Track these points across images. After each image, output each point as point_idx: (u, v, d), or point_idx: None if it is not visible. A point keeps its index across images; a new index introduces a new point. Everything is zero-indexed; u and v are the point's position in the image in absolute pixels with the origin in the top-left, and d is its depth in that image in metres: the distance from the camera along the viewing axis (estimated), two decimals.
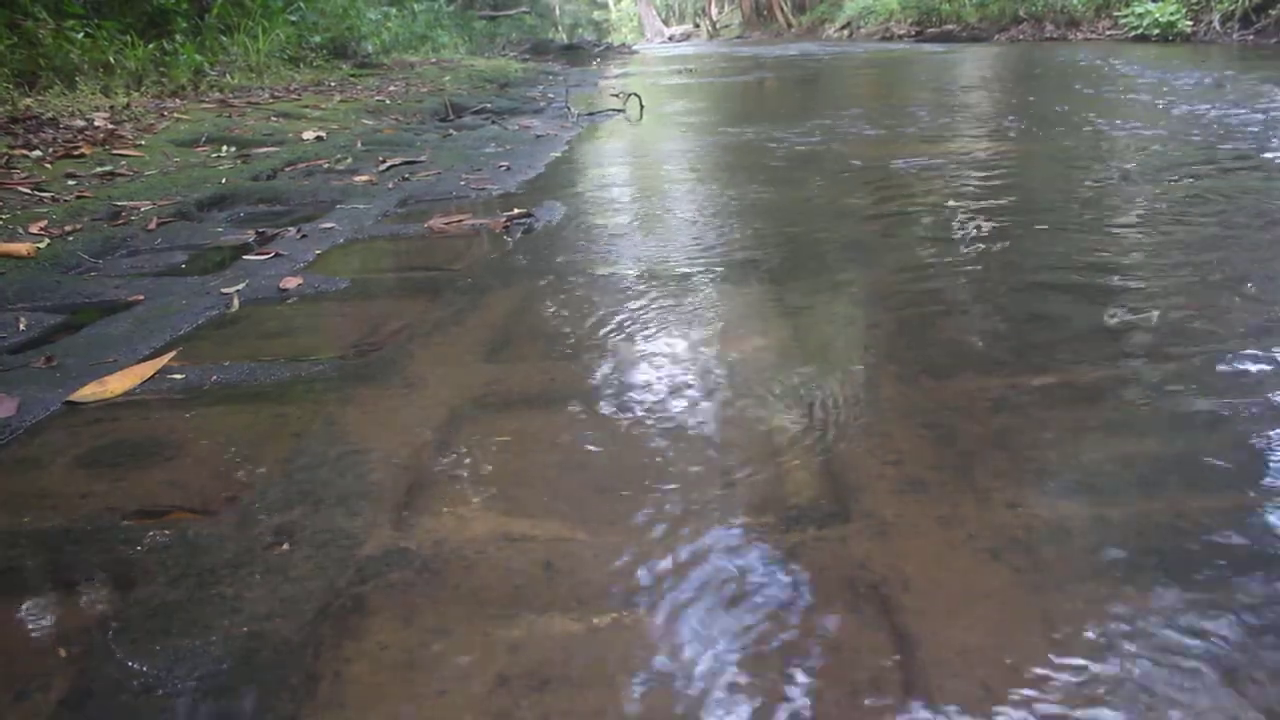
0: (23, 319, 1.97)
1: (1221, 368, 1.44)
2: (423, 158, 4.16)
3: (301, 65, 8.05)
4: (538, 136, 5.02)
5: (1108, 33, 13.59)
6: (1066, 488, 1.11)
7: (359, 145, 4.55)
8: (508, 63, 11.54)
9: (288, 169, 3.90)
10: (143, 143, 4.09)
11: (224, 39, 7.33)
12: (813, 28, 25.14)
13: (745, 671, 0.83)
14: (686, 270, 2.15)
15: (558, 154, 4.38)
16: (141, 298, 2.11)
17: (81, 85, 5.54)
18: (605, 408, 1.41)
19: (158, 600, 0.97)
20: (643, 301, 1.92)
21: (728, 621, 0.90)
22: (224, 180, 3.46)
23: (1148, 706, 0.76)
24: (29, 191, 3.06)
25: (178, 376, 1.61)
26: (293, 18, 8.43)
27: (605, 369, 1.56)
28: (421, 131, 5.27)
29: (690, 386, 1.47)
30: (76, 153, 3.73)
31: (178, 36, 6.73)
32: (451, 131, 5.26)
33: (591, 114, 6.26)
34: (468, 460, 1.26)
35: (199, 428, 1.40)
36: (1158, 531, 1.01)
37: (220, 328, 1.91)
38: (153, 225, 2.81)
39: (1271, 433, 1.22)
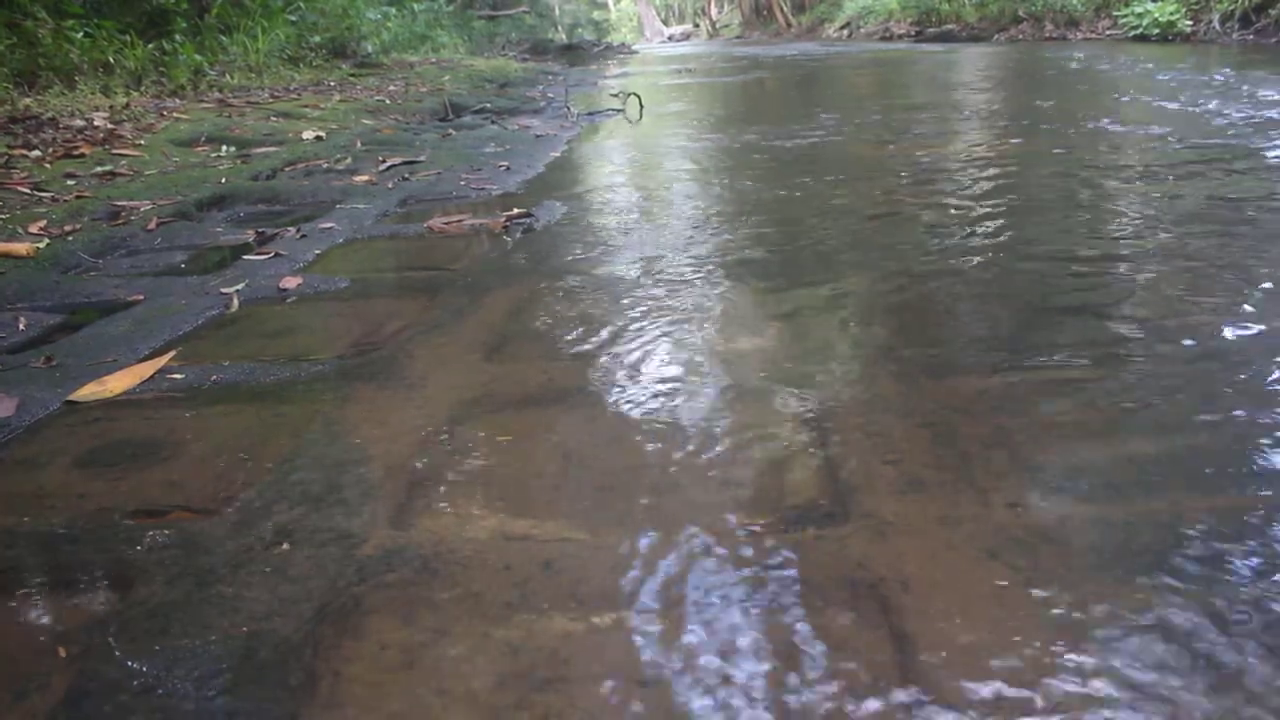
0: (22, 319, 1.97)
1: (1223, 367, 1.44)
2: (422, 158, 4.16)
3: (301, 65, 8.05)
4: (537, 136, 5.02)
5: (1107, 32, 13.59)
6: (1066, 487, 1.11)
7: (358, 145, 4.55)
8: (507, 63, 11.54)
9: (287, 169, 3.90)
10: (142, 142, 4.09)
11: (224, 39, 7.33)
12: (812, 28, 25.14)
13: (744, 671, 0.83)
14: (686, 270, 2.15)
15: (557, 154, 4.38)
16: (141, 297, 2.11)
17: (81, 85, 5.54)
18: (604, 407, 1.41)
19: (157, 600, 0.97)
20: (642, 301, 1.92)
21: (727, 621, 0.90)
22: (223, 180, 3.46)
23: (1146, 706, 0.76)
24: (29, 191, 3.06)
25: (177, 376, 1.61)
26: (292, 18, 8.43)
27: (604, 368, 1.57)
28: (421, 131, 5.27)
29: (689, 386, 1.47)
30: (76, 153, 3.73)
31: (177, 36, 6.74)
32: (451, 131, 5.26)
33: (591, 114, 6.26)
34: (467, 460, 1.26)
35: (199, 428, 1.40)
36: (1158, 531, 1.01)
37: (220, 328, 1.91)
38: (152, 225, 2.81)
39: (1271, 435, 1.22)
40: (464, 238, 2.66)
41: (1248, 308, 1.70)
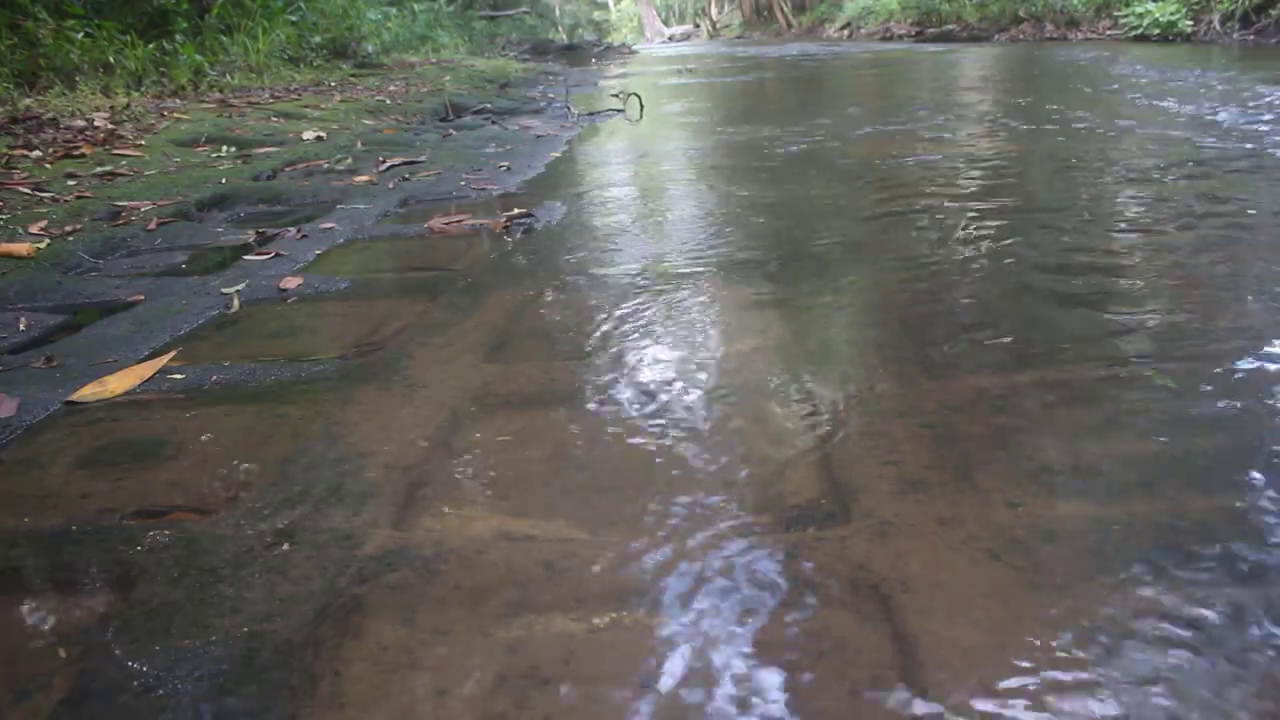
0: (23, 319, 1.98)
1: (1220, 367, 1.44)
2: (423, 158, 4.16)
3: (301, 65, 8.05)
4: (538, 136, 5.02)
5: (1108, 33, 13.59)
6: (1066, 487, 1.11)
7: (359, 145, 4.55)
8: (508, 63, 11.54)
9: (288, 169, 3.90)
10: (143, 143, 4.09)
11: (224, 39, 7.33)
12: (813, 28, 25.14)
13: (745, 671, 0.83)
14: (686, 270, 2.15)
15: (558, 154, 4.38)
16: (141, 298, 2.11)
17: (81, 85, 5.54)
18: (605, 407, 1.41)
19: (158, 600, 0.97)
20: (643, 301, 1.92)
21: (727, 622, 0.90)
22: (224, 180, 3.46)
23: (1144, 704, 0.76)
24: (29, 191, 3.06)
25: (178, 376, 1.61)
26: (293, 18, 8.42)
27: (605, 369, 1.57)
28: (421, 131, 5.27)
29: (690, 386, 1.47)
30: (76, 153, 3.73)
31: (178, 36, 6.73)
32: (451, 131, 5.26)
33: (591, 114, 6.26)
34: (468, 460, 1.26)
35: (199, 428, 1.40)
36: (1157, 531, 1.01)
37: (220, 328, 1.91)
38: (153, 225, 2.81)
39: (1270, 433, 1.22)
40: (464, 238, 2.66)
41: (1250, 308, 1.70)
